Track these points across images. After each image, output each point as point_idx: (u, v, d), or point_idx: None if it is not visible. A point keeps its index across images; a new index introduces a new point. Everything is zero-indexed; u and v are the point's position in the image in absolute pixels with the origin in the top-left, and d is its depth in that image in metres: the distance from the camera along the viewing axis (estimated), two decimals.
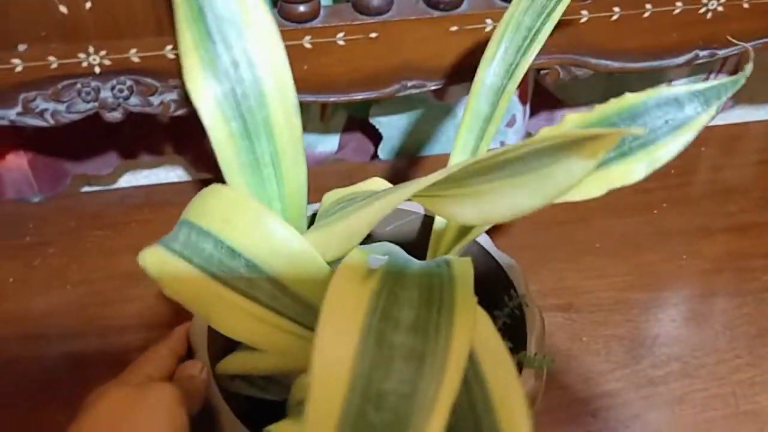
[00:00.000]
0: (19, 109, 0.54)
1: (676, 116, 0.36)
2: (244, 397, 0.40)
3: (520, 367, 0.39)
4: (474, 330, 0.26)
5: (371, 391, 0.23)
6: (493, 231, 0.61)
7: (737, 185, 0.67)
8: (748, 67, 0.38)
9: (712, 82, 0.37)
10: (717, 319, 0.55)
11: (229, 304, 0.33)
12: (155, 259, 0.33)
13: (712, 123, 0.77)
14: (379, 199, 0.29)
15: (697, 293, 0.57)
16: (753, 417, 0.49)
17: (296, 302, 0.34)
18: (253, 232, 0.34)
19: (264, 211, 0.34)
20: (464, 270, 0.29)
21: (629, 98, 0.37)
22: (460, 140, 0.40)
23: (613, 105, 0.37)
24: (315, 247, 0.34)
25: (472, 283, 0.28)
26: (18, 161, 0.64)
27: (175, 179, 0.74)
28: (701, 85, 0.37)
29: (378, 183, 0.42)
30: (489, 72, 0.41)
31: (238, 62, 0.37)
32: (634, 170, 0.36)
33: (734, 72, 0.74)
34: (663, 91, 0.37)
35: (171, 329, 0.51)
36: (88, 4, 0.49)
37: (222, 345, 0.39)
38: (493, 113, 0.41)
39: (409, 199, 0.28)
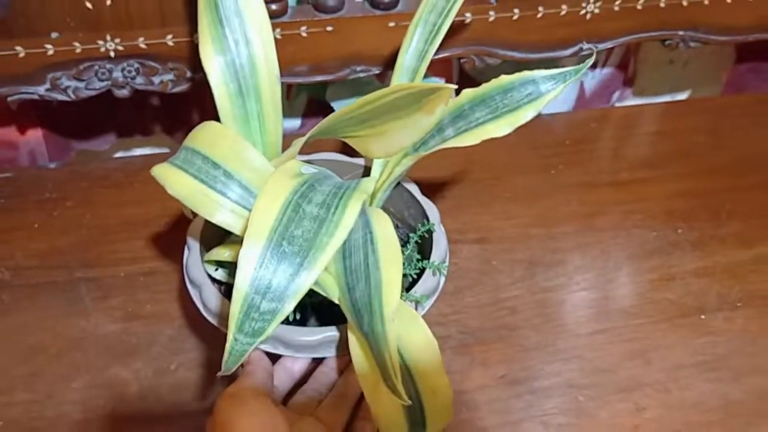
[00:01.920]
0: (47, 86, 0.67)
1: (533, 91, 0.49)
2: (225, 285, 0.54)
3: (423, 270, 0.53)
4: (356, 215, 0.40)
5: (286, 234, 0.38)
6: (425, 187, 0.76)
7: (620, 152, 0.84)
8: (588, 62, 0.50)
9: (561, 69, 0.50)
10: (596, 247, 0.72)
11: (211, 200, 0.45)
12: (163, 170, 0.46)
13: (609, 105, 0.95)
14: (304, 136, 0.44)
15: (583, 229, 0.73)
16: (618, 312, 0.66)
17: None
18: (230, 151, 0.47)
19: (239, 138, 0.47)
20: (366, 184, 0.44)
21: (504, 78, 0.50)
22: None
23: (494, 83, 0.51)
24: (273, 166, 0.47)
25: (368, 191, 0.42)
26: (35, 135, 0.78)
27: None
28: (553, 71, 0.49)
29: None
30: (406, 57, 0.55)
31: (238, 41, 0.51)
32: (500, 128, 0.49)
33: (619, 65, 0.92)
34: (526, 74, 0.50)
35: (169, 259, 0.66)
36: (108, 2, 0.64)
37: (211, 240, 0.53)
38: None
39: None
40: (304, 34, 0.70)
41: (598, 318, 0.65)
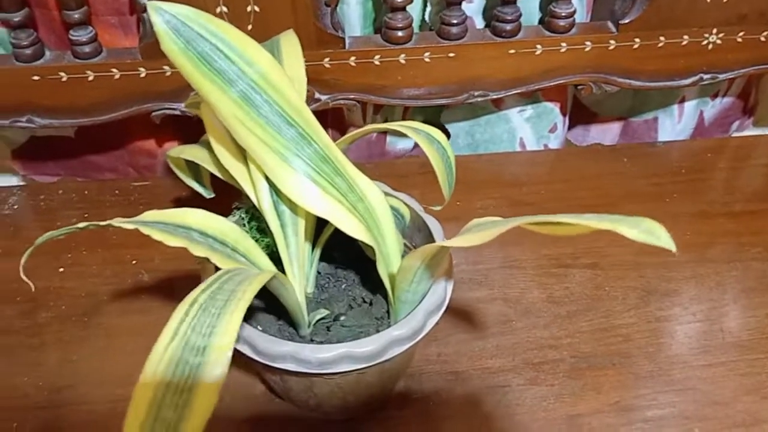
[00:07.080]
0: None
1: None
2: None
3: None
4: None
5: None
6: (538, 211, 0.77)
7: (736, 183, 0.83)
8: None
9: None
10: (712, 278, 0.71)
11: None
12: None
13: (725, 135, 0.93)
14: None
15: (697, 259, 0.73)
16: (734, 345, 0.65)
17: None
18: None
19: None
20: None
21: None
22: None
23: None
24: None
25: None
26: (171, 147, 0.83)
27: None
28: None
29: None
30: None
31: None
32: None
33: (741, 94, 0.91)
34: None
35: None
36: (249, 27, 0.68)
37: None
38: None
39: None
40: (427, 60, 0.73)
41: (714, 350, 0.65)
